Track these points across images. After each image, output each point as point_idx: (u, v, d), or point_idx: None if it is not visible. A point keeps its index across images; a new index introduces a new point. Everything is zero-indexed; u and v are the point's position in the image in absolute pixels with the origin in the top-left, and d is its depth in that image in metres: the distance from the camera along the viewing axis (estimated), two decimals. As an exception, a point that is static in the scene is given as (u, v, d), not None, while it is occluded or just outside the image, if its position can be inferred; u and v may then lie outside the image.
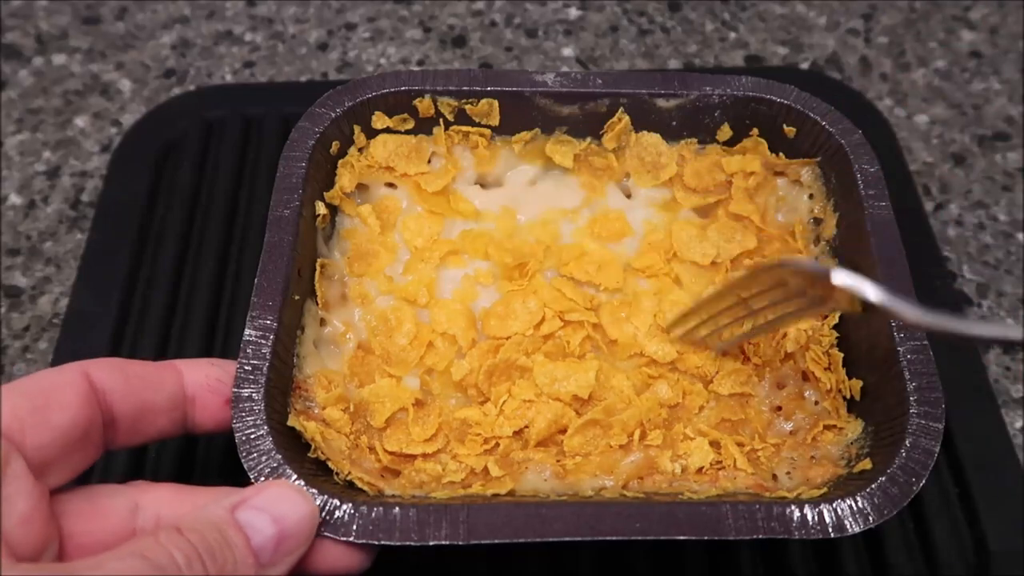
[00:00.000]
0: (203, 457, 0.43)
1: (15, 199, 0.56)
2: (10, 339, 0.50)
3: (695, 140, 0.46)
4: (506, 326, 0.41)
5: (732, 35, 0.66)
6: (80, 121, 0.60)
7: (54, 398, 0.31)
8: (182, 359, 0.36)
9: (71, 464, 0.32)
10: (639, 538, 0.32)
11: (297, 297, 0.39)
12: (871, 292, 0.33)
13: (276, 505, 0.31)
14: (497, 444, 0.38)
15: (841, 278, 0.33)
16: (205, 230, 0.52)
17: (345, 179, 0.44)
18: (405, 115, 0.45)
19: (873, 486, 0.33)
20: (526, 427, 0.38)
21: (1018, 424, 0.47)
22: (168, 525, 0.29)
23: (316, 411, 0.38)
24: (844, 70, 0.63)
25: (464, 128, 0.45)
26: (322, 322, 0.41)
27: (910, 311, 0.32)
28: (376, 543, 0.32)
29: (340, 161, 0.44)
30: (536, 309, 0.41)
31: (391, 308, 0.42)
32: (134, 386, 0.33)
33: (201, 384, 0.35)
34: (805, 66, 0.64)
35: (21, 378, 0.31)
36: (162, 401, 0.34)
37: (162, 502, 0.33)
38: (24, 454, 0.29)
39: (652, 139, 0.46)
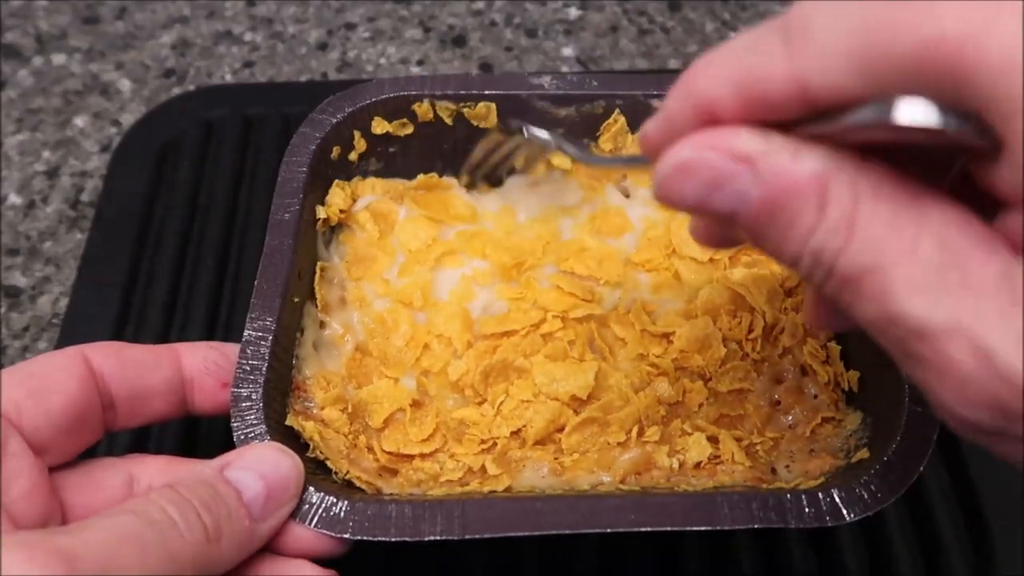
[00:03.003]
0: (203, 452, 0.43)
1: (15, 199, 0.56)
2: (10, 339, 0.50)
3: (693, 139, 0.46)
4: (503, 327, 0.41)
5: (732, 35, 0.66)
6: (80, 121, 0.60)
7: (51, 381, 0.32)
8: (181, 343, 0.37)
9: (71, 444, 0.33)
10: (634, 530, 0.32)
11: (297, 299, 0.39)
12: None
13: (261, 463, 0.32)
14: (495, 444, 0.38)
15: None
16: (205, 230, 0.52)
17: (338, 197, 0.44)
18: (404, 120, 0.45)
19: (869, 474, 0.33)
20: (524, 427, 0.39)
21: (1017, 423, 0.47)
22: (160, 485, 0.30)
23: (315, 411, 0.38)
24: (843, 70, 0.64)
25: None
26: (321, 324, 0.41)
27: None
28: (372, 539, 0.32)
29: (335, 181, 0.44)
30: (535, 313, 0.41)
31: (387, 310, 0.42)
32: (130, 369, 0.34)
33: (199, 367, 0.36)
34: (804, 66, 0.64)
35: (21, 362, 0.32)
36: (159, 383, 0.35)
37: (156, 472, 0.34)
38: (22, 434, 0.30)
39: (650, 139, 0.46)
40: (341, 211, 0.44)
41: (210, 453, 0.33)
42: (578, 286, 0.42)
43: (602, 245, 0.44)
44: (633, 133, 0.46)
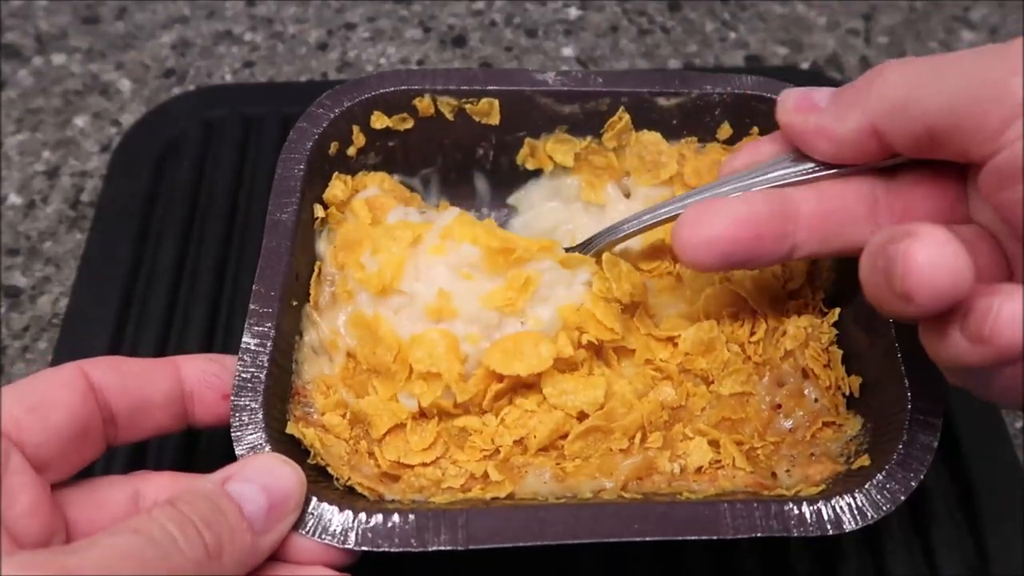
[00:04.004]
0: (203, 464, 0.43)
1: (15, 199, 0.56)
2: (10, 339, 0.50)
3: (695, 138, 0.46)
4: (511, 365, 0.38)
5: (732, 35, 0.66)
6: (80, 121, 0.60)
7: (51, 397, 0.31)
8: (180, 355, 0.36)
9: (72, 459, 0.32)
10: (637, 539, 0.32)
11: (295, 303, 0.39)
12: None
13: (264, 475, 0.32)
14: (497, 451, 0.38)
15: None
16: (205, 230, 0.52)
17: (338, 188, 0.43)
18: (404, 115, 0.45)
19: (871, 483, 0.33)
20: (527, 435, 0.38)
21: (1018, 424, 0.47)
22: (161, 501, 0.29)
23: (315, 416, 0.38)
24: (844, 70, 0.63)
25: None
26: (319, 327, 0.41)
27: None
28: (375, 549, 0.32)
29: (335, 173, 0.44)
30: (547, 355, 0.38)
31: (372, 316, 0.39)
32: (130, 383, 0.34)
33: (198, 380, 0.35)
34: (805, 66, 0.64)
35: (20, 380, 0.32)
36: (159, 397, 0.35)
37: (161, 488, 0.33)
38: (23, 451, 0.30)
39: (652, 137, 0.46)
40: (340, 201, 0.43)
41: (210, 465, 0.32)
42: (609, 311, 0.39)
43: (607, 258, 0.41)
44: (637, 131, 0.46)
